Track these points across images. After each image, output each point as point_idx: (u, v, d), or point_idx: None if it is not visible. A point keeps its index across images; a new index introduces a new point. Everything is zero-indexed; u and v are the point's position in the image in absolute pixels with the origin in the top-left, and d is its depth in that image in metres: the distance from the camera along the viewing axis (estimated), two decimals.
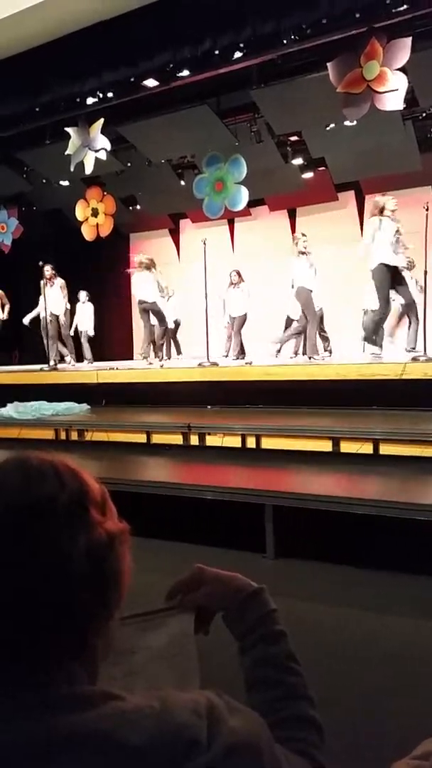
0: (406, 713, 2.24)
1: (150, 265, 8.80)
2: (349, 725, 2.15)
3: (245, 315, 9.69)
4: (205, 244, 7.81)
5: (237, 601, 0.87)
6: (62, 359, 10.31)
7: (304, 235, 8.37)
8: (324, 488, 4.26)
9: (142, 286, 8.83)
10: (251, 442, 5.78)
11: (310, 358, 7.92)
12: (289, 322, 9.21)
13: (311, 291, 8.11)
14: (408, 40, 6.75)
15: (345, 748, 1.98)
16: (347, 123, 8.22)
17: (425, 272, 6.95)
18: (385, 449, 5.20)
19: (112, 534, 0.69)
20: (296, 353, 9.18)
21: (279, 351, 8.88)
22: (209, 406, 6.93)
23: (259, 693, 0.82)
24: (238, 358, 9.25)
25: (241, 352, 9.77)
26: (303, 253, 8.11)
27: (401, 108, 7.34)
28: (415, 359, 6.33)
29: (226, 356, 9.82)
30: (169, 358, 10.36)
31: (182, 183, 10.43)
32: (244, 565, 4.02)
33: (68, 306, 10.10)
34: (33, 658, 0.63)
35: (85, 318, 11.02)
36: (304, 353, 8.57)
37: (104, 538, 0.68)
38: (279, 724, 0.76)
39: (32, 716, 0.60)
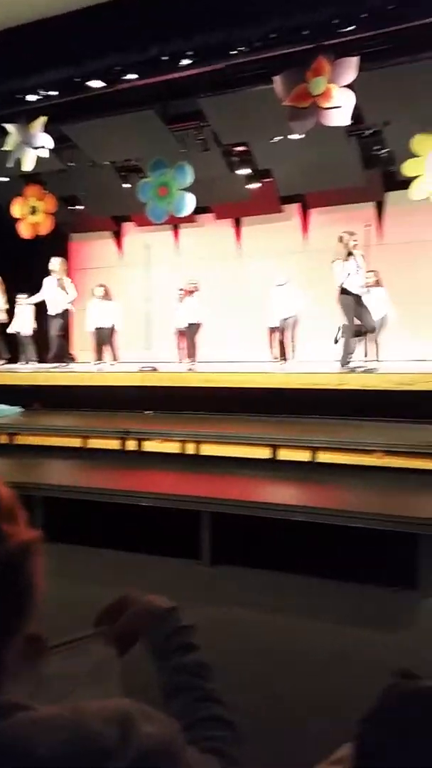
0: (333, 717, 2.21)
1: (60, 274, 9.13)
2: (277, 727, 2.11)
3: (199, 323, 9.67)
4: (148, 248, 7.73)
5: (154, 618, 0.93)
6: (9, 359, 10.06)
7: (351, 234, 7.50)
8: (261, 495, 4.25)
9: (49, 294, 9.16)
10: (191, 449, 5.73)
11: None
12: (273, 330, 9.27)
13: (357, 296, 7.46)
14: (355, 59, 6.91)
15: (270, 750, 1.93)
16: (293, 136, 8.33)
17: (364, 286, 7.11)
18: (323, 457, 5.25)
19: (22, 544, 0.67)
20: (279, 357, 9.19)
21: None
22: (148, 411, 6.82)
23: (176, 699, 0.87)
24: (192, 365, 9.17)
25: (193, 358, 9.70)
26: (351, 254, 7.30)
27: (347, 124, 7.50)
28: (352, 370, 6.44)
29: (180, 363, 9.77)
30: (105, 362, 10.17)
31: (127, 186, 10.32)
32: (179, 573, 3.98)
33: (6, 305, 9.72)
34: None
35: (26, 318, 10.70)
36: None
37: (14, 548, 0.66)
38: (195, 725, 0.81)
39: None
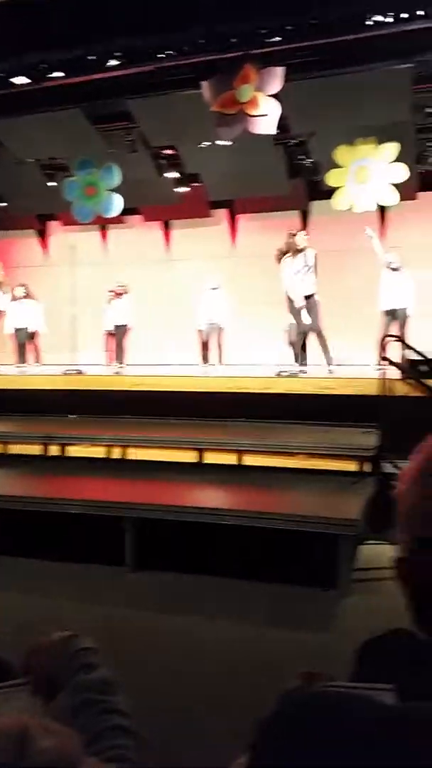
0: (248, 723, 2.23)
1: None
2: (191, 732, 2.11)
3: (128, 323, 9.56)
4: (73, 248, 7.59)
5: (54, 654, 0.97)
6: None
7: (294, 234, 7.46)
8: (187, 499, 4.25)
9: None
10: (117, 453, 5.66)
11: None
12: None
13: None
14: (280, 69, 7.05)
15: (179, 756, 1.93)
16: (221, 142, 8.41)
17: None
18: (249, 460, 5.31)
19: None
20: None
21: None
22: (72, 416, 6.68)
23: (81, 714, 0.90)
24: (120, 368, 9.03)
25: (121, 361, 9.57)
26: (300, 251, 7.27)
27: (273, 133, 7.64)
28: (279, 374, 6.55)
29: (109, 365, 9.61)
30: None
31: (52, 184, 10.09)
32: (104, 579, 3.91)
33: None
34: None
35: None
36: None
37: None
38: (100, 736, 0.86)
39: None
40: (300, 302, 7.25)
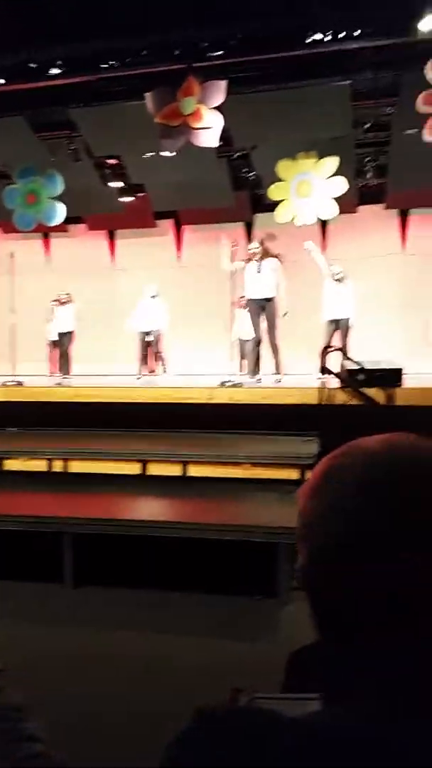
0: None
1: None
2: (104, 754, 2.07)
3: (73, 332, 9.41)
4: (12, 257, 7.44)
5: None
6: None
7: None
8: (128, 512, 4.19)
9: None
10: (58, 466, 5.54)
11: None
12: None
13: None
14: (223, 83, 7.13)
15: None
16: (166, 153, 8.43)
17: (231, 303, 7.32)
18: (194, 471, 5.29)
19: None
20: None
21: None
22: (11, 429, 6.49)
23: None
24: (63, 379, 8.85)
25: (65, 372, 9.39)
26: (250, 259, 7.42)
27: (216, 145, 7.71)
28: (222, 384, 6.57)
29: (51, 376, 9.41)
30: None
31: None
32: (42, 597, 3.81)
33: None
34: None
35: None
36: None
37: None
38: (16, 764, 0.83)
39: None
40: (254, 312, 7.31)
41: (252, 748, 0.54)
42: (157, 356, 9.64)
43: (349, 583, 0.57)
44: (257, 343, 7.41)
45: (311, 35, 6.85)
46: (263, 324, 7.33)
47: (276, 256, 7.39)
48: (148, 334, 9.04)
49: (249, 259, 7.37)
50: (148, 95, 7.39)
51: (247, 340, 7.96)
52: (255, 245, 7.40)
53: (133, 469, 5.36)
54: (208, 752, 0.57)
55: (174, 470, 5.33)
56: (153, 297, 9.00)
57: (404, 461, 0.60)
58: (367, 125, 8.41)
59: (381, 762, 0.51)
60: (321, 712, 0.59)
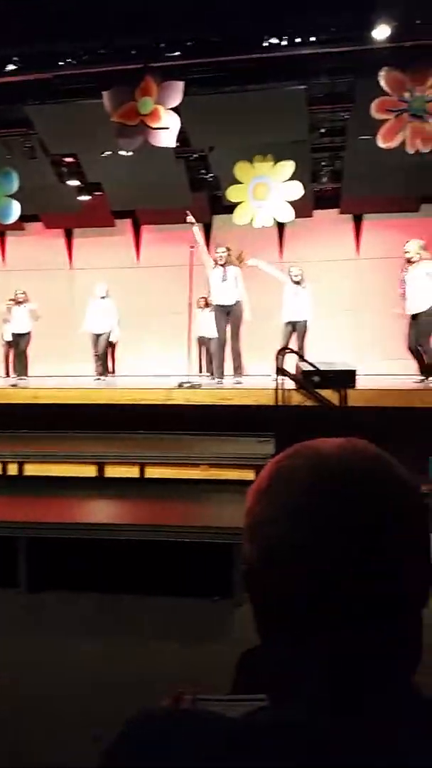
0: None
1: None
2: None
3: (30, 333, 9.22)
4: None
5: None
6: None
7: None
8: (85, 516, 4.16)
9: None
10: (13, 469, 5.45)
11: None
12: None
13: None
14: (180, 83, 7.13)
15: None
16: (123, 152, 8.37)
17: (189, 304, 7.33)
18: (151, 472, 5.28)
19: None
20: None
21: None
22: None
23: None
24: (20, 380, 8.66)
25: (22, 373, 9.21)
26: (222, 264, 7.34)
27: (173, 146, 7.70)
28: (180, 385, 6.57)
29: (6, 377, 9.21)
30: None
31: None
32: None
33: None
34: None
35: None
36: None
37: None
38: None
39: None
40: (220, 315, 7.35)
41: (189, 748, 0.54)
42: (111, 355, 9.55)
43: (296, 583, 0.57)
44: (222, 345, 7.44)
45: (268, 39, 6.91)
46: (228, 328, 7.38)
47: (239, 265, 7.41)
48: (100, 335, 8.95)
49: (215, 263, 7.37)
50: (105, 94, 7.34)
51: (210, 339, 7.98)
52: (222, 250, 7.39)
53: (89, 471, 5.31)
54: (145, 753, 0.57)
55: (131, 472, 5.31)
56: (103, 297, 8.85)
57: (354, 463, 0.60)
58: (323, 130, 8.53)
59: (321, 761, 0.52)
60: (262, 712, 0.61)
